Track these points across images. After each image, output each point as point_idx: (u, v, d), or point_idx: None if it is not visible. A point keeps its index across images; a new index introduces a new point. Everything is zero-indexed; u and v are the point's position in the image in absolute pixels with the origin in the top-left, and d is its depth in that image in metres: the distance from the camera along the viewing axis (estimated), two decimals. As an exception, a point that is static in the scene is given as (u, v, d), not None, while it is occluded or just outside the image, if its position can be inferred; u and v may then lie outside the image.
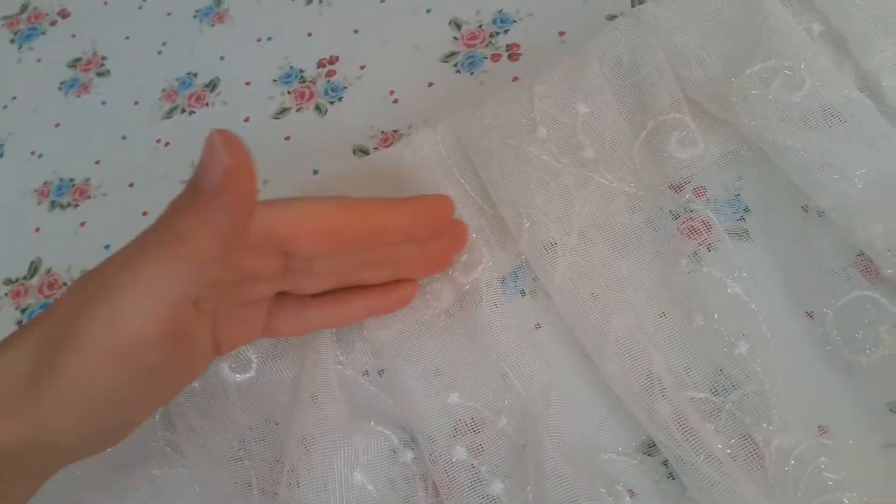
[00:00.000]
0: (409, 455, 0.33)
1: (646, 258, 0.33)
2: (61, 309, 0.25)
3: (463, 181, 0.36)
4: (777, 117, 0.33)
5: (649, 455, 0.30)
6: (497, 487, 0.30)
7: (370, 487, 0.31)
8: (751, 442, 0.29)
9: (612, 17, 0.42)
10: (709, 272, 0.31)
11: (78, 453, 0.27)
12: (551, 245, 0.33)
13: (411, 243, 0.31)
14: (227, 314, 0.28)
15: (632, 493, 0.29)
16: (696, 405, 0.29)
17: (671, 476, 0.29)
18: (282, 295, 0.31)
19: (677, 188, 0.34)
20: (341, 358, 0.34)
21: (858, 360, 0.29)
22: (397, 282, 0.32)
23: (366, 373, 0.34)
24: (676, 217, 0.34)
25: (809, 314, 0.31)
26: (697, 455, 0.28)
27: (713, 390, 0.29)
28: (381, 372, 0.34)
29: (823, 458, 0.27)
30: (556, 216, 0.33)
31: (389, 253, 0.31)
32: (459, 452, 0.31)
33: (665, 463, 0.30)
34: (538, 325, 0.34)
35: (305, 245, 0.28)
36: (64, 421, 0.24)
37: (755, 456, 0.28)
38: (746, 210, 0.34)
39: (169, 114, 0.48)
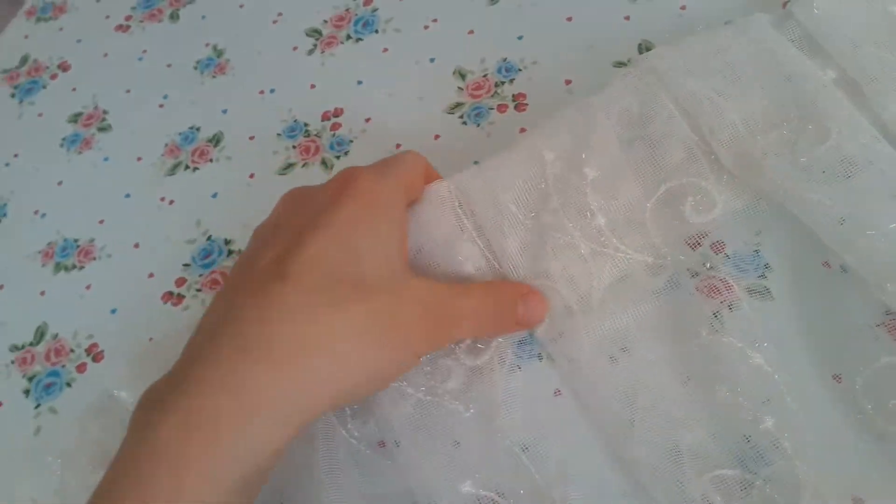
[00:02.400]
0: None
1: (667, 322, 0.32)
2: None
3: (479, 242, 0.35)
4: (801, 171, 0.33)
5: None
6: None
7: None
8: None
9: (619, 65, 0.41)
10: (729, 342, 0.30)
11: None
12: (569, 314, 0.32)
13: None
14: None
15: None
16: (726, 482, 0.28)
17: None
18: None
19: (694, 244, 0.34)
20: (356, 433, 0.33)
21: (893, 429, 0.28)
22: None
23: (381, 443, 0.34)
24: (696, 275, 0.33)
25: (836, 377, 0.30)
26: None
27: (743, 466, 0.28)
28: (397, 442, 0.33)
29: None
30: (573, 285, 0.32)
31: None
32: None
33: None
34: (557, 392, 0.33)
35: None
36: None
37: (790, 535, 0.27)
38: (767, 267, 0.33)
39: (172, 170, 0.47)
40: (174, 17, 0.55)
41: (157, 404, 0.24)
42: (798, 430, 0.28)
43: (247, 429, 0.24)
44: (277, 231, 0.30)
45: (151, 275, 0.43)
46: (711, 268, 0.33)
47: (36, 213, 0.49)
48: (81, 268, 0.46)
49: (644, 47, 0.41)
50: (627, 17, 0.43)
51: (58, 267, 0.46)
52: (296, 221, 0.29)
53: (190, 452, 0.23)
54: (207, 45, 0.53)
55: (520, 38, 0.44)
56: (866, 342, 0.30)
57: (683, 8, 0.42)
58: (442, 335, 0.30)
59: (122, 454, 0.24)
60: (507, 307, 0.31)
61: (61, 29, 0.59)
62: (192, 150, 0.48)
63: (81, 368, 0.42)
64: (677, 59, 0.36)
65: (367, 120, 0.45)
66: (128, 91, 0.53)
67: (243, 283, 0.27)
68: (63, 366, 0.42)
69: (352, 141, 0.44)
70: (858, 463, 0.28)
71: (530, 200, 0.33)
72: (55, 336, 0.44)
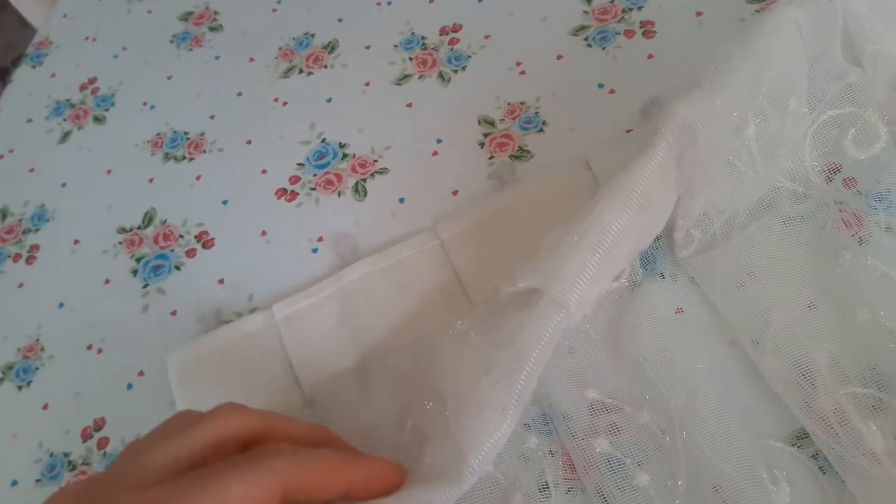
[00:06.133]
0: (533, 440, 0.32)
1: (806, 248, 0.32)
2: None
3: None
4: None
5: (799, 447, 0.30)
6: (643, 479, 0.29)
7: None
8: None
9: (751, 1, 0.41)
10: (874, 265, 0.30)
11: None
12: (711, 237, 0.32)
13: None
14: None
15: (790, 482, 0.28)
16: (859, 401, 0.28)
17: (822, 469, 0.29)
18: None
19: (828, 177, 0.34)
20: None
21: None
22: None
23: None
24: (827, 207, 0.33)
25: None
26: (857, 452, 0.27)
27: (878, 386, 0.28)
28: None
29: None
30: (720, 209, 0.32)
31: None
32: (601, 444, 0.30)
33: (815, 456, 0.29)
34: (679, 310, 0.33)
35: None
36: None
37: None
38: (900, 205, 0.33)
39: (286, 73, 0.48)
40: (288, -75, 0.55)
41: None
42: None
43: None
44: None
45: (264, 171, 0.44)
46: (842, 202, 0.33)
47: (145, 104, 0.50)
48: (191, 159, 0.46)
49: (780, -15, 0.41)
50: (764, -46, 0.42)
51: (167, 157, 0.47)
52: None
53: None
54: (322, -46, 0.53)
55: (650, -33, 0.44)
56: None
57: (825, -52, 0.41)
58: None
59: None
60: None
61: (171, -70, 0.59)
62: (307, 55, 0.48)
63: (191, 254, 0.43)
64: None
65: (487, 37, 0.45)
66: (239, -6, 0.53)
67: None
68: (172, 250, 0.43)
69: (470, 56, 0.44)
70: None
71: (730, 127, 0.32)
72: (164, 221, 0.45)
